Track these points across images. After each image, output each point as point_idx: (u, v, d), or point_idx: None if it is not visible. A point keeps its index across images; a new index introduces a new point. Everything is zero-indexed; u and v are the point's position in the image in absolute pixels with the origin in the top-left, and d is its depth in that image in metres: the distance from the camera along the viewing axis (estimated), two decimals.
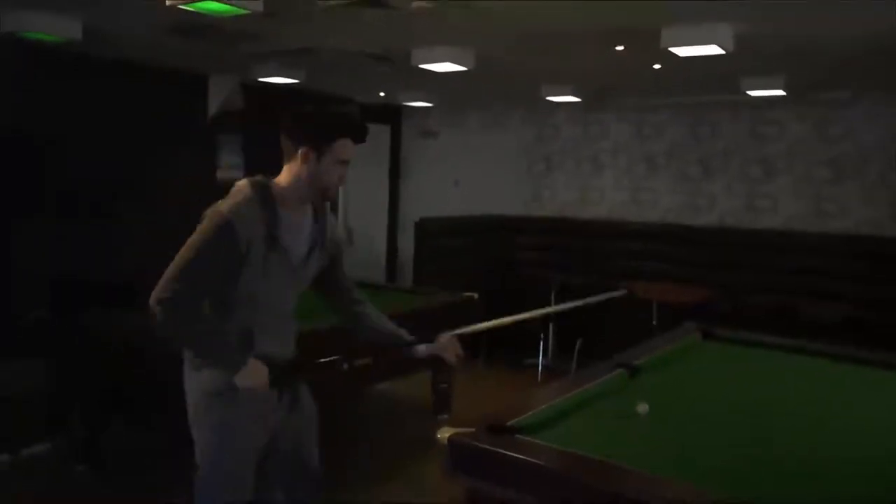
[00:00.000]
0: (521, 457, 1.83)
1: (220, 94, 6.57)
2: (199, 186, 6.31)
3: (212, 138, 6.65)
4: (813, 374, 2.99)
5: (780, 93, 5.56)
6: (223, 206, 2.08)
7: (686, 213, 6.91)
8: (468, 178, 8.05)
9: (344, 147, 2.11)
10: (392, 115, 8.72)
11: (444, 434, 1.95)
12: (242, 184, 2.15)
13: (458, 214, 7.22)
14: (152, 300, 2.00)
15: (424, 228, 6.54)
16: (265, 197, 2.10)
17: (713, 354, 3.25)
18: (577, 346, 5.36)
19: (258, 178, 2.16)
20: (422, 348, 2.29)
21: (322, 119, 2.15)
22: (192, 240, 2.06)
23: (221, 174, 6.64)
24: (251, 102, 6.70)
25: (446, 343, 2.27)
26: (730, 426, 2.29)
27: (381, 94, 7.61)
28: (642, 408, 2.27)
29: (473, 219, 7.20)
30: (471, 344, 5.27)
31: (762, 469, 1.92)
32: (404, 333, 2.41)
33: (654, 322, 5.20)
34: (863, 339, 3.96)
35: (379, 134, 8.64)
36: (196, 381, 2.19)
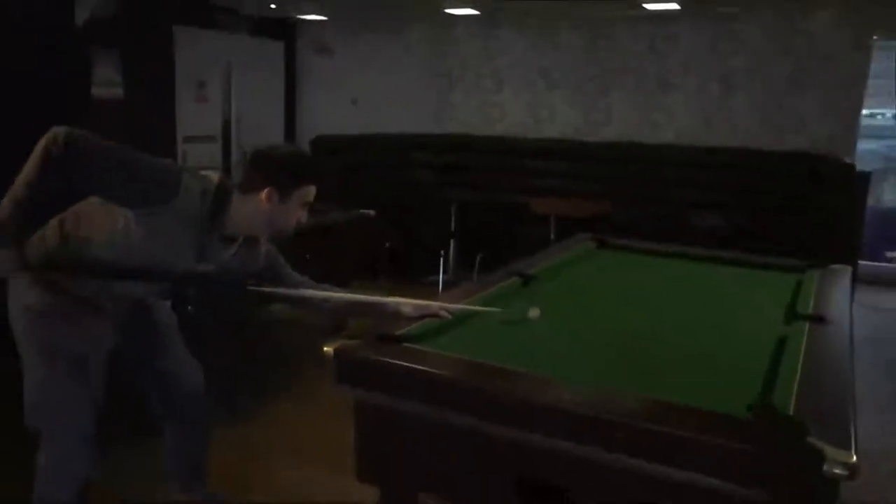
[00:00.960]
0: (405, 364, 1.79)
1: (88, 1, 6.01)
2: (71, 105, 5.84)
3: (84, 51, 6.12)
4: (697, 276, 3.10)
5: (675, 6, 5.59)
6: (192, 170, 2.10)
7: (584, 128, 6.96)
8: (367, 96, 7.81)
9: (309, 192, 2.14)
10: (286, 30, 8.29)
11: (330, 345, 1.88)
12: (216, 175, 2.12)
13: (356, 133, 7.02)
14: (66, 129, 1.89)
15: (321, 147, 6.33)
16: (221, 200, 2.06)
17: (605, 261, 3.31)
18: (477, 261, 5.39)
19: (229, 183, 2.12)
20: (408, 309, 2.20)
21: (294, 164, 2.15)
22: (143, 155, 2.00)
23: (97, 91, 6.14)
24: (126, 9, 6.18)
25: (437, 308, 2.21)
26: (619, 327, 2.33)
27: (273, 6, 7.18)
28: (533, 312, 2.27)
29: (372, 137, 7.01)
30: (371, 264, 5.23)
31: (649, 365, 1.96)
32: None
33: (553, 236, 5.27)
34: (745, 244, 4.14)
35: (272, 50, 8.21)
36: (16, 299, 2.10)
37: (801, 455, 1.33)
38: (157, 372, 2.41)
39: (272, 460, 3.13)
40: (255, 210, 2.09)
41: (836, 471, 1.29)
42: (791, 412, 1.53)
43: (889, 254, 7.73)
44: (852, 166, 5.16)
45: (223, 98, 7.74)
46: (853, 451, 1.33)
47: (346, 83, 7.94)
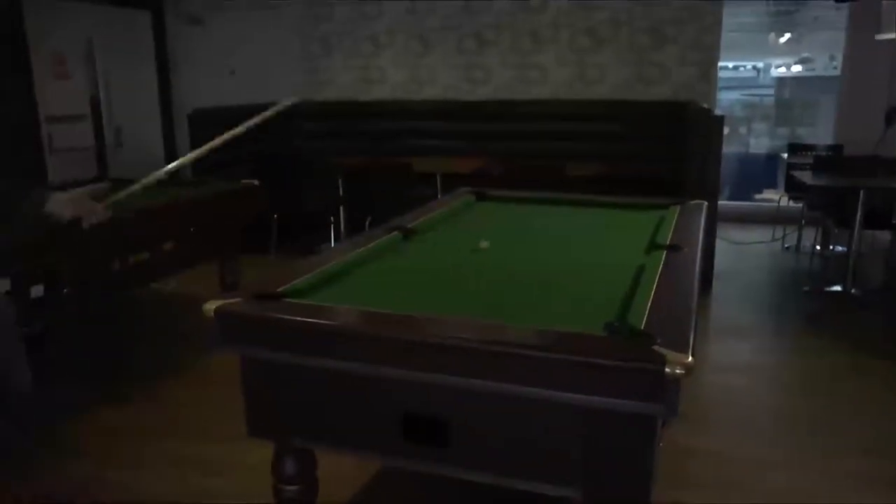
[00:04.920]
0: (287, 317, 1.83)
1: None
2: None
3: None
4: (571, 219, 3.28)
5: None
6: None
7: (464, 87, 7.07)
8: (244, 66, 7.60)
9: None
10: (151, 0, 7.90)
11: (210, 306, 1.88)
12: None
13: (236, 104, 6.83)
14: None
15: (198, 120, 6.14)
16: None
17: (484, 211, 3.44)
18: (367, 224, 5.43)
19: None
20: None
21: None
22: None
23: None
24: None
25: (66, 200, 2.12)
26: (499, 268, 2.43)
27: None
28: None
29: (251, 107, 6.82)
30: (261, 236, 5.16)
31: (526, 299, 2.08)
32: None
33: (439, 194, 5.37)
34: (619, 188, 4.37)
35: (139, 21, 7.82)
36: None
37: (647, 360, 1.49)
38: None
39: (167, 439, 3.10)
40: None
41: (676, 370, 1.45)
42: (642, 326, 1.69)
43: (757, 195, 8.35)
44: (709, 111, 5.52)
45: (88, 73, 7.31)
46: (689, 355, 1.50)
47: (222, 53, 7.68)
